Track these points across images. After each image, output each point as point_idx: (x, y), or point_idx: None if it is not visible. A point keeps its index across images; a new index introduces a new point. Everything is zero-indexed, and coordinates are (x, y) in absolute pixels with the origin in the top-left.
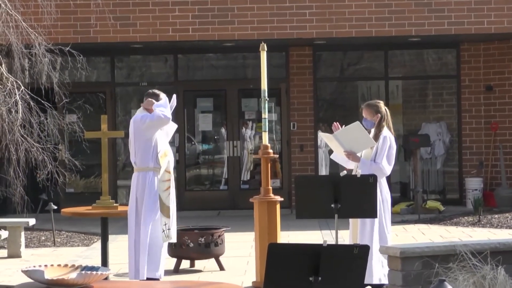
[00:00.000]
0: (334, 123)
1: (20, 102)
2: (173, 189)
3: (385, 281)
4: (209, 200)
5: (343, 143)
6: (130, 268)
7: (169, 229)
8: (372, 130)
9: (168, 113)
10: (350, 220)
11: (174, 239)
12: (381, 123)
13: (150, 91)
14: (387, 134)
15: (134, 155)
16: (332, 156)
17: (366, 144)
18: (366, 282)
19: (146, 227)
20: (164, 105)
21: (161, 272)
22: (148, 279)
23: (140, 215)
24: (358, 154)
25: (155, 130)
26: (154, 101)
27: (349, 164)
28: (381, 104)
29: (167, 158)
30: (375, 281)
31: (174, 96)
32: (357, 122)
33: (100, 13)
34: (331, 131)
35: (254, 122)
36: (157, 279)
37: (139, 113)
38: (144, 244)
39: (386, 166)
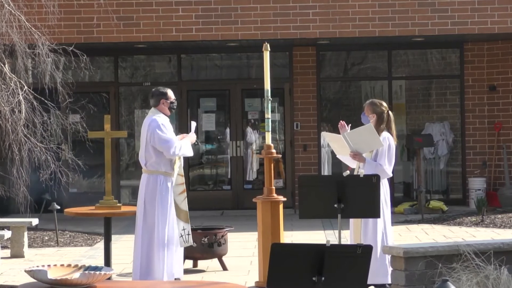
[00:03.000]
0: (341, 121)
1: (23, 102)
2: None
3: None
4: (212, 200)
5: (351, 144)
6: (134, 269)
7: (188, 234)
8: None
9: (180, 152)
10: (351, 220)
11: (191, 243)
12: (380, 125)
13: (156, 91)
14: (386, 136)
15: (144, 157)
16: (338, 155)
17: (374, 145)
18: (369, 282)
19: (163, 229)
20: (186, 146)
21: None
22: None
23: (148, 217)
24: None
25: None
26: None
27: (353, 163)
28: (383, 107)
29: (179, 162)
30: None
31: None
32: (370, 124)
33: (104, 13)
34: (334, 131)
35: (257, 122)
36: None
37: (152, 114)
38: (161, 245)
39: (389, 167)
